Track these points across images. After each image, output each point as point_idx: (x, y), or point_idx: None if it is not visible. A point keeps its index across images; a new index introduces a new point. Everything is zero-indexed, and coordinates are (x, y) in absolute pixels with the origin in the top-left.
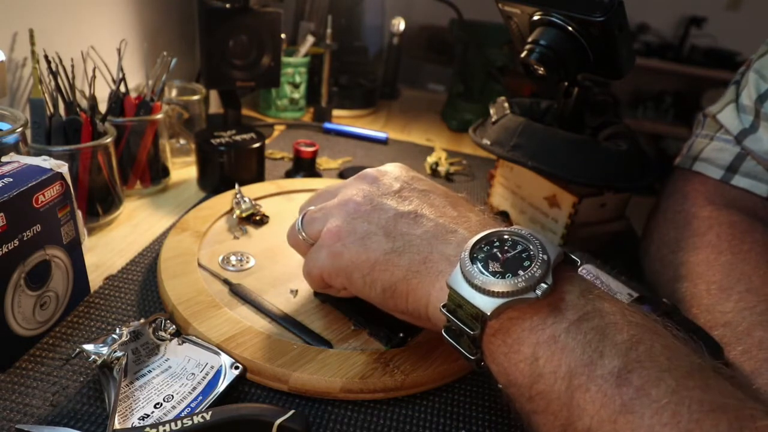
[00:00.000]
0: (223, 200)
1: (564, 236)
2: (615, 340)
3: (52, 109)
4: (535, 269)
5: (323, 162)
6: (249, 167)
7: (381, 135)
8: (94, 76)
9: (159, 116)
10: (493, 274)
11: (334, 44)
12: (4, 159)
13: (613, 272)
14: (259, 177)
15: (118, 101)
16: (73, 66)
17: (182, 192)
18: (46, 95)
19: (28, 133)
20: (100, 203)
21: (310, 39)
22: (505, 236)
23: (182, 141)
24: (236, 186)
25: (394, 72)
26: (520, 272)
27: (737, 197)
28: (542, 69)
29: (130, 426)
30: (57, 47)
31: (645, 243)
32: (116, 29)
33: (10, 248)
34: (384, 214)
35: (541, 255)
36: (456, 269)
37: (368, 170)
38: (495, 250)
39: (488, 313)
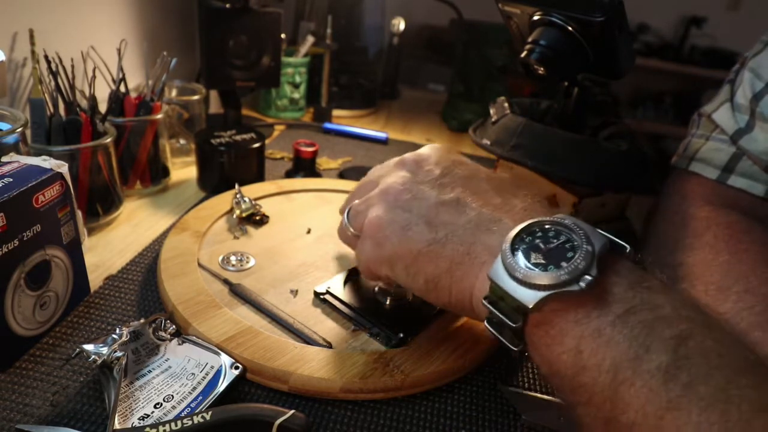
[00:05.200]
0: (223, 200)
1: None
2: (663, 335)
3: (52, 109)
4: (578, 261)
5: (323, 162)
6: (249, 167)
7: (381, 135)
8: (94, 76)
9: (159, 116)
10: (536, 265)
11: (334, 44)
12: (4, 159)
13: None
14: (259, 177)
15: (118, 101)
16: (73, 66)
17: (182, 192)
18: (46, 95)
19: (28, 133)
20: (100, 203)
21: (310, 39)
22: (547, 226)
23: (182, 141)
24: (236, 186)
25: (394, 72)
26: (563, 264)
27: (734, 197)
28: (542, 69)
29: (130, 426)
30: (57, 47)
31: (643, 243)
32: (116, 29)
33: (10, 248)
34: (425, 202)
35: (585, 246)
36: (497, 261)
37: (408, 156)
38: (537, 240)
39: (530, 306)
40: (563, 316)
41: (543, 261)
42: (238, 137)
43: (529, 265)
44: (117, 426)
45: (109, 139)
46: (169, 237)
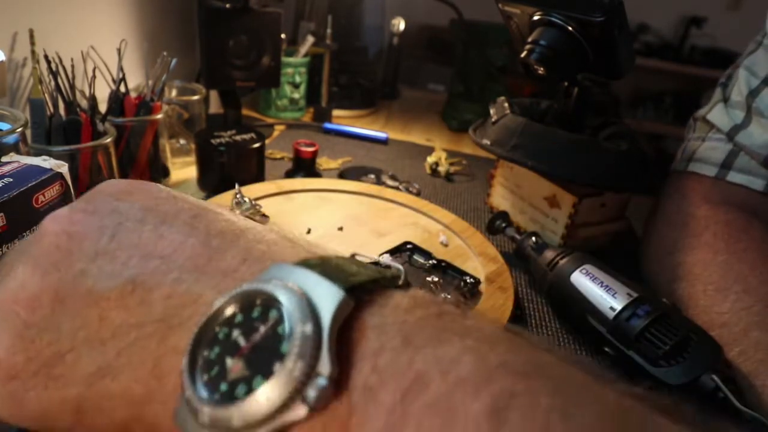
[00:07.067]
0: (223, 200)
1: (564, 236)
2: None
3: (52, 109)
4: (292, 362)
5: (323, 162)
6: (249, 167)
7: (381, 135)
8: (94, 76)
9: (159, 116)
10: (233, 384)
11: (334, 44)
12: (4, 159)
13: (613, 272)
14: (259, 177)
15: (118, 101)
16: (73, 66)
17: (182, 192)
18: (46, 95)
19: (28, 133)
20: None
21: (310, 39)
22: (258, 302)
23: (182, 141)
24: (236, 186)
25: (394, 72)
26: (277, 368)
27: (734, 193)
28: (542, 69)
29: None
30: (57, 47)
31: (643, 244)
32: (116, 29)
33: (10, 248)
34: (78, 303)
35: (300, 327)
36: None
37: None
38: (235, 333)
39: None
40: None
41: (246, 372)
42: (238, 137)
43: (216, 395)
44: None
45: (109, 139)
46: None
